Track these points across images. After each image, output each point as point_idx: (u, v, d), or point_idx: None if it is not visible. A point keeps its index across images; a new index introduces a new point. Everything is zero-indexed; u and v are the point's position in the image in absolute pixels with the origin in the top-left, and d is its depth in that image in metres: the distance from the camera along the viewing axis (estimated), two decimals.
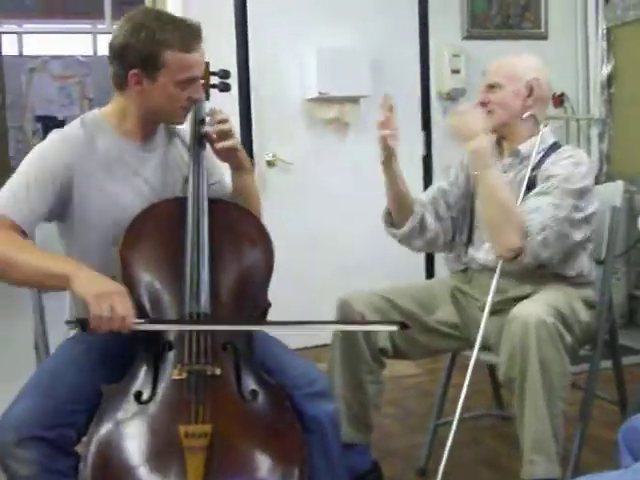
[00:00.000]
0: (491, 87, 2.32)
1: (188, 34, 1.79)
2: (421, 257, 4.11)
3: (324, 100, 4.02)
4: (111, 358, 1.72)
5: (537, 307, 2.02)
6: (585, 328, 2.21)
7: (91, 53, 9.64)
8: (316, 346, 2.59)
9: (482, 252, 2.33)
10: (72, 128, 1.86)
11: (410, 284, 2.50)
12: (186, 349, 1.63)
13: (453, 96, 4.30)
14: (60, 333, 1.95)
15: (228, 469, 1.54)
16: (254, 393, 1.65)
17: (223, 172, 2.05)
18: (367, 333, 2.26)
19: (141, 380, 1.63)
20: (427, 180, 4.10)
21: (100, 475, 1.52)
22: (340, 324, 2.28)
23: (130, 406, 1.58)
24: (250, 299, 1.80)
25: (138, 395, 1.60)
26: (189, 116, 1.95)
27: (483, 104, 2.33)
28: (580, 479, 1.36)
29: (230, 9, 3.79)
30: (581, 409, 2.28)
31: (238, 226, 1.87)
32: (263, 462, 1.57)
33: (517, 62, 2.34)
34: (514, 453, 2.18)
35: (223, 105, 2.00)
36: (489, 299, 2.14)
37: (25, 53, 9.75)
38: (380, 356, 2.30)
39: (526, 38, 4.43)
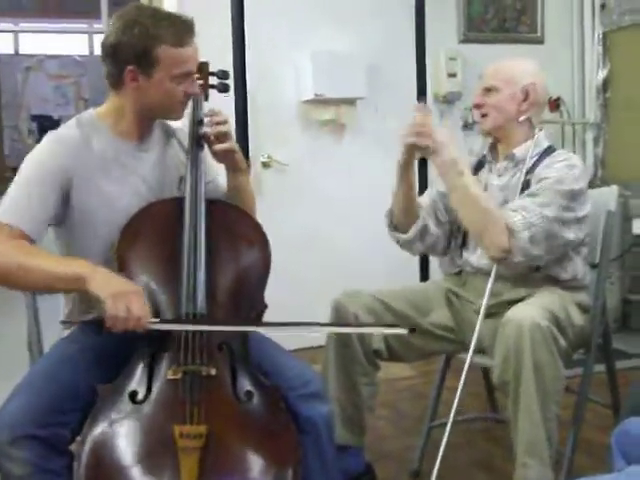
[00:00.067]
0: (487, 90, 2.32)
1: (181, 29, 1.79)
2: (416, 259, 4.10)
3: (320, 102, 4.02)
4: (105, 357, 1.72)
5: (532, 310, 2.02)
6: (579, 332, 2.22)
7: (87, 53, 9.62)
8: (311, 347, 2.59)
9: (476, 255, 2.33)
10: (68, 129, 1.86)
11: (405, 287, 2.50)
12: (182, 349, 1.63)
13: (449, 99, 4.32)
14: (54, 333, 1.94)
15: (222, 470, 1.54)
16: (249, 394, 1.65)
17: (217, 171, 2.05)
18: (362, 335, 2.26)
19: (136, 380, 1.63)
20: (422, 183, 4.07)
21: (94, 474, 1.52)
22: (349, 327, 2.26)
23: (125, 406, 1.58)
24: (247, 300, 1.80)
25: (133, 395, 1.60)
26: (188, 116, 1.95)
27: (478, 106, 2.33)
28: None
29: (227, 11, 3.79)
30: (574, 413, 2.29)
31: (235, 227, 1.87)
32: (257, 463, 1.57)
33: (514, 66, 2.34)
34: (507, 456, 2.19)
35: (220, 106, 2.00)
36: (484, 302, 2.14)
37: (21, 52, 9.72)
38: (374, 358, 2.31)
39: (522, 42, 4.45)
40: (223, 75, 2.08)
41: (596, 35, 4.51)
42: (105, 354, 1.72)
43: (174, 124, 2.05)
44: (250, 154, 3.83)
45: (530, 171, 2.24)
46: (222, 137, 1.91)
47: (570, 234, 2.16)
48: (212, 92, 2.07)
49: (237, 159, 1.96)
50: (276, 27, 3.92)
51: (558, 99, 4.48)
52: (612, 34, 4.44)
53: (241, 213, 1.93)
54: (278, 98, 4.01)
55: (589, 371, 2.30)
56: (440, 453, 2.03)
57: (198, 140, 1.92)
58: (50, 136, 1.84)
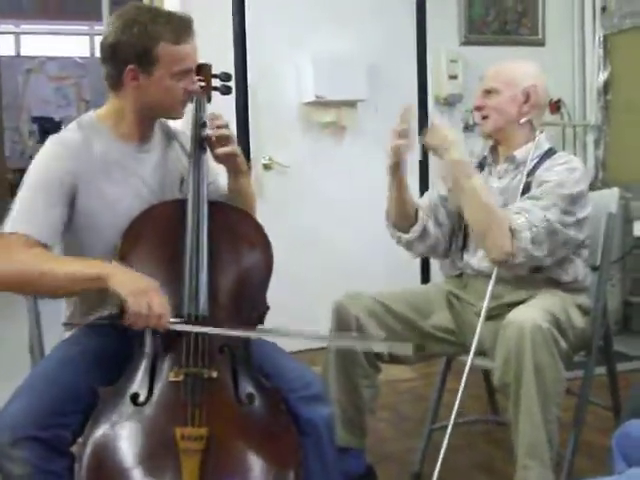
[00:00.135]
0: (488, 92, 2.32)
1: (180, 26, 1.80)
2: (417, 262, 4.11)
3: (321, 104, 4.02)
4: (106, 359, 1.72)
5: (532, 312, 2.02)
6: (580, 334, 2.22)
7: (88, 54, 9.65)
8: (311, 349, 2.58)
9: (477, 258, 2.33)
10: (69, 132, 1.86)
11: (405, 289, 2.50)
12: (183, 351, 1.63)
13: (450, 101, 4.32)
14: (55, 335, 1.94)
15: (223, 472, 1.54)
16: (250, 396, 1.65)
17: (218, 172, 2.05)
18: (362, 336, 2.26)
19: (138, 382, 1.63)
20: (423, 185, 4.09)
21: (95, 476, 1.52)
22: (356, 340, 2.24)
23: (126, 408, 1.58)
24: (249, 301, 1.80)
25: (134, 397, 1.60)
26: (190, 119, 1.95)
27: (479, 108, 2.34)
28: None
29: (228, 13, 3.80)
30: (575, 415, 2.29)
31: (237, 228, 1.88)
32: (258, 465, 1.57)
33: (515, 68, 2.35)
34: (508, 458, 2.19)
35: (221, 109, 2.00)
36: (485, 304, 2.14)
37: (22, 54, 9.75)
38: (375, 360, 2.31)
39: (523, 44, 4.45)
40: (226, 77, 2.08)
41: (597, 38, 4.51)
42: (106, 356, 1.73)
43: (175, 125, 2.06)
44: (251, 156, 3.84)
45: (531, 173, 2.25)
46: (224, 140, 1.91)
47: (570, 232, 2.17)
48: (213, 94, 2.07)
49: (238, 162, 1.97)
50: (277, 29, 3.93)
51: (559, 101, 4.48)
52: (613, 37, 4.45)
53: (243, 215, 1.93)
54: (279, 100, 4.01)
55: (590, 373, 2.30)
56: (441, 455, 2.04)
57: (201, 142, 1.92)
58: (52, 140, 1.84)
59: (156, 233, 1.82)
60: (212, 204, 1.85)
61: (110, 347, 1.73)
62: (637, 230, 3.99)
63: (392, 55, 4.14)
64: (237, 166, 1.97)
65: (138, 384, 1.62)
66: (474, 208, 2.16)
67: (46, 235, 1.73)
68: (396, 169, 2.26)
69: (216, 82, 2.07)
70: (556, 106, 4.47)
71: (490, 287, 2.16)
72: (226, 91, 2.09)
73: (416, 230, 2.35)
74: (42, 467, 1.54)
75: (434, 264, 3.57)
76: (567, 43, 4.61)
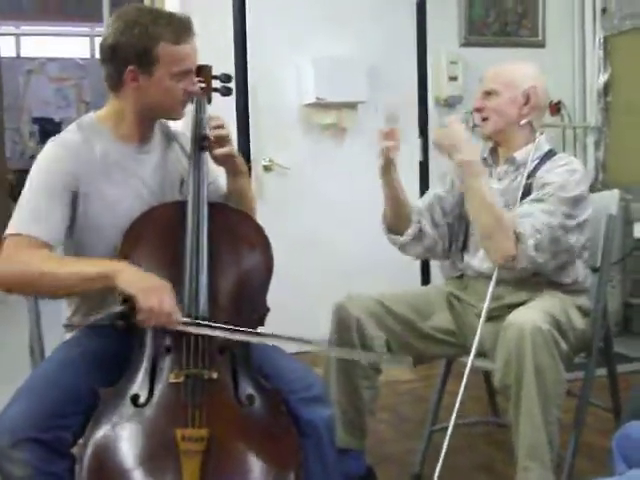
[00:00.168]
0: (488, 94, 2.32)
1: (180, 27, 1.80)
2: (417, 263, 4.12)
3: (321, 106, 4.03)
4: (107, 360, 1.72)
5: (533, 314, 2.02)
6: (580, 335, 2.22)
7: (88, 56, 9.65)
8: (312, 351, 2.58)
9: (477, 259, 2.34)
10: (69, 133, 1.86)
11: (406, 290, 2.50)
12: (184, 352, 1.63)
13: (450, 103, 4.32)
14: (56, 337, 1.94)
15: (224, 473, 1.54)
16: (250, 398, 1.65)
17: (218, 174, 2.05)
18: (363, 337, 2.26)
19: (138, 383, 1.63)
20: (424, 186, 4.11)
21: (96, 478, 1.52)
22: (356, 352, 2.21)
23: (127, 409, 1.58)
24: (249, 303, 1.80)
25: (135, 398, 1.60)
26: (190, 120, 1.96)
27: (478, 110, 2.34)
28: None
29: (229, 15, 3.80)
30: (575, 416, 2.29)
31: (237, 230, 1.88)
32: (258, 466, 1.57)
33: (515, 70, 2.35)
34: (509, 460, 2.19)
35: (221, 110, 2.00)
36: (485, 306, 2.14)
37: (22, 55, 9.75)
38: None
39: (523, 46, 4.46)
40: (226, 78, 2.08)
41: (597, 39, 4.51)
42: (107, 357, 1.73)
43: (175, 125, 2.06)
44: (252, 157, 3.84)
45: (531, 175, 2.25)
46: (222, 141, 1.91)
47: (572, 239, 2.17)
48: (213, 96, 2.08)
49: (237, 163, 1.97)
50: (277, 30, 3.93)
51: (559, 103, 4.48)
52: (613, 38, 4.45)
53: (243, 216, 1.93)
54: (280, 102, 4.01)
55: (590, 375, 2.30)
56: (441, 457, 2.04)
57: (201, 143, 1.92)
58: (53, 141, 1.84)
59: (156, 235, 1.82)
60: (212, 205, 1.85)
61: (111, 348, 1.73)
62: (637, 232, 3.99)
63: (392, 56, 4.14)
64: (236, 167, 1.97)
65: (138, 385, 1.62)
66: (480, 209, 2.16)
67: (50, 236, 1.73)
68: (387, 170, 2.27)
69: (216, 83, 2.07)
70: (556, 108, 4.47)
71: (490, 288, 2.16)
72: (226, 92, 2.09)
73: (410, 233, 2.35)
74: (43, 469, 1.54)
75: (434, 266, 3.57)
76: (567, 44, 4.61)
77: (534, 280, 2.23)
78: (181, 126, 2.09)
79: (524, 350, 1.95)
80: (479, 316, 2.16)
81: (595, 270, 2.38)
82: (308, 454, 1.69)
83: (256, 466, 1.58)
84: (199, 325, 1.65)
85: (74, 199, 1.79)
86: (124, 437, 1.54)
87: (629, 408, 2.27)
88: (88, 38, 9.63)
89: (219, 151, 1.91)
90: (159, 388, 1.61)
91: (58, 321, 1.96)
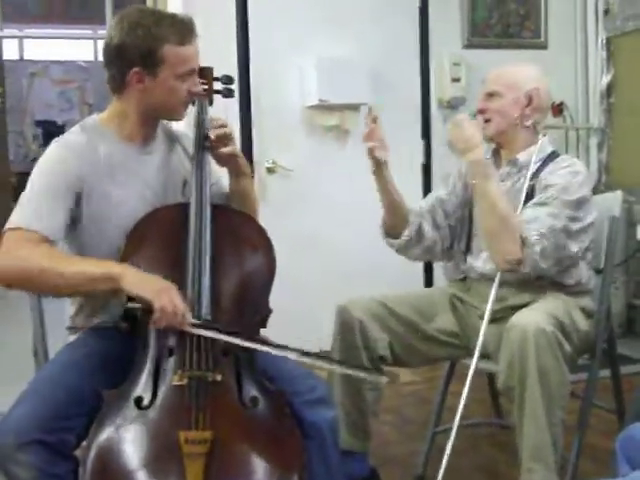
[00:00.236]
0: (490, 95, 2.32)
1: (183, 28, 1.81)
2: (420, 265, 4.12)
3: (324, 107, 4.03)
4: (110, 362, 1.73)
5: (536, 315, 2.02)
6: (584, 337, 2.22)
7: (92, 58, 9.66)
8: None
9: (480, 261, 2.33)
10: (73, 135, 1.86)
11: (409, 292, 2.50)
12: (187, 354, 1.64)
13: (453, 104, 4.32)
14: (59, 339, 1.95)
15: (227, 475, 1.54)
16: (254, 400, 1.65)
17: (220, 173, 2.05)
18: (366, 339, 2.26)
19: (142, 385, 1.63)
20: (426, 188, 4.11)
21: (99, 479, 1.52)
22: (337, 364, 2.06)
23: (130, 411, 1.59)
24: (251, 304, 1.80)
25: (138, 400, 1.60)
26: (192, 121, 1.96)
27: (481, 112, 2.33)
28: None
29: (231, 17, 3.81)
30: (579, 418, 2.29)
31: (240, 232, 1.88)
32: (262, 468, 1.57)
33: (517, 71, 2.34)
34: (512, 461, 2.18)
35: (224, 112, 2.01)
36: (488, 308, 2.14)
37: (26, 57, 9.77)
38: (379, 363, 2.30)
39: (526, 47, 4.45)
40: (228, 80, 2.08)
41: (600, 40, 4.50)
42: (110, 359, 1.73)
43: (177, 126, 2.06)
44: (254, 159, 3.84)
45: (534, 177, 2.25)
46: (225, 140, 1.91)
47: (575, 247, 2.17)
48: (216, 98, 2.08)
49: (240, 163, 1.97)
50: (280, 32, 3.93)
51: (561, 104, 4.48)
52: (616, 39, 4.44)
53: (246, 218, 1.93)
54: (282, 103, 4.02)
55: (594, 376, 2.30)
56: (445, 458, 2.03)
57: (203, 145, 1.92)
58: (57, 142, 1.84)
59: (159, 236, 1.83)
60: (215, 207, 1.86)
61: (114, 350, 1.74)
62: None
63: (395, 58, 4.14)
64: (239, 167, 1.97)
65: (142, 387, 1.62)
66: (489, 210, 2.16)
67: (50, 231, 1.72)
68: (378, 172, 2.26)
69: (218, 85, 2.07)
70: (559, 109, 4.46)
71: (494, 290, 2.16)
72: (228, 94, 2.09)
73: (407, 235, 2.34)
74: (47, 471, 1.54)
75: (437, 268, 3.57)
76: (570, 46, 4.60)
77: (537, 282, 2.23)
78: (183, 126, 2.10)
79: (528, 352, 1.95)
80: (482, 318, 2.16)
81: (598, 272, 2.37)
82: (312, 456, 1.70)
83: (260, 468, 1.58)
84: (208, 327, 1.65)
85: (78, 200, 1.79)
86: (127, 439, 1.55)
87: (633, 409, 2.27)
88: (91, 41, 9.65)
89: (223, 150, 1.91)
90: (163, 390, 1.61)
91: (62, 323, 1.96)
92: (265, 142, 3.95)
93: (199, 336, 1.65)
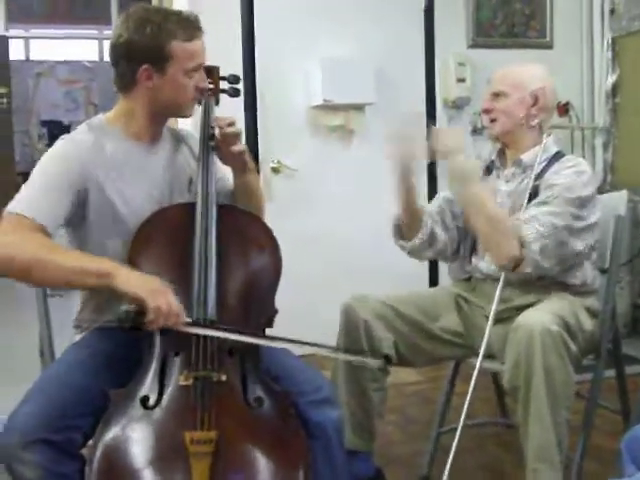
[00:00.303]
0: (496, 95, 2.32)
1: (189, 24, 1.82)
2: (425, 265, 4.11)
3: (329, 107, 4.03)
4: (116, 362, 1.73)
5: (542, 315, 2.02)
6: (589, 337, 2.21)
7: (97, 58, 9.67)
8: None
9: (485, 261, 2.33)
10: (80, 134, 1.86)
11: (414, 292, 2.50)
12: (193, 354, 1.64)
13: (458, 104, 4.32)
14: (65, 339, 1.95)
15: (233, 475, 1.54)
16: (259, 400, 1.65)
17: (225, 171, 2.05)
18: (371, 338, 2.26)
19: (148, 385, 1.63)
20: (432, 188, 4.09)
21: (105, 479, 1.52)
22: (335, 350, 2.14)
23: (136, 411, 1.59)
24: (257, 304, 1.81)
25: (144, 400, 1.60)
26: (198, 120, 1.96)
27: (487, 111, 2.33)
28: None
29: (237, 16, 3.81)
30: (584, 418, 2.28)
31: (246, 231, 1.88)
32: (268, 468, 1.58)
33: (523, 71, 2.34)
34: (517, 461, 2.19)
35: (229, 111, 2.01)
36: (493, 308, 2.14)
37: (32, 58, 9.79)
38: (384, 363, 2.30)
39: (531, 47, 4.45)
40: (234, 80, 2.08)
41: (605, 40, 4.50)
42: (116, 358, 1.73)
43: (183, 126, 2.06)
44: (260, 159, 3.84)
45: (538, 177, 2.24)
46: (234, 138, 1.91)
47: (580, 244, 2.17)
48: (222, 97, 2.08)
49: (246, 160, 1.98)
50: (285, 32, 3.93)
51: (567, 104, 4.47)
52: (621, 39, 4.43)
53: (252, 218, 1.93)
54: (287, 104, 4.02)
55: (599, 376, 2.29)
56: (450, 458, 2.03)
57: (209, 144, 1.92)
58: (63, 140, 1.84)
59: (166, 235, 1.83)
60: (221, 207, 1.86)
61: (120, 349, 1.74)
62: None
63: (400, 58, 4.14)
64: (245, 164, 1.97)
65: (148, 387, 1.63)
66: (477, 214, 2.16)
67: (49, 222, 1.70)
68: (407, 177, 2.25)
69: (224, 85, 2.07)
70: (564, 109, 4.46)
71: (498, 291, 2.16)
72: (234, 93, 2.09)
73: (421, 237, 2.34)
74: (53, 470, 1.54)
75: (442, 267, 3.56)
76: (575, 45, 4.60)
77: (542, 282, 2.22)
78: (190, 126, 2.10)
79: (533, 351, 1.95)
80: (487, 318, 2.16)
81: (603, 271, 2.37)
82: (317, 456, 1.70)
83: (265, 468, 1.58)
84: (204, 326, 1.66)
85: (83, 198, 1.79)
86: (133, 439, 1.55)
87: (638, 410, 2.27)
88: (97, 41, 9.66)
89: (235, 148, 1.91)
90: (168, 390, 1.62)
91: (68, 323, 1.96)
92: (270, 142, 3.95)
93: (205, 336, 1.65)
